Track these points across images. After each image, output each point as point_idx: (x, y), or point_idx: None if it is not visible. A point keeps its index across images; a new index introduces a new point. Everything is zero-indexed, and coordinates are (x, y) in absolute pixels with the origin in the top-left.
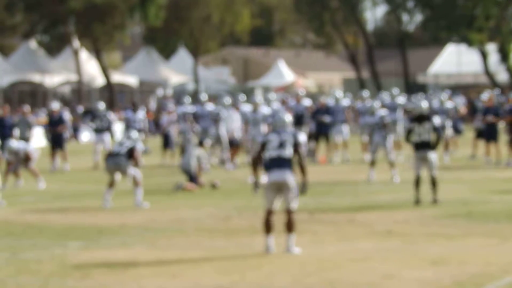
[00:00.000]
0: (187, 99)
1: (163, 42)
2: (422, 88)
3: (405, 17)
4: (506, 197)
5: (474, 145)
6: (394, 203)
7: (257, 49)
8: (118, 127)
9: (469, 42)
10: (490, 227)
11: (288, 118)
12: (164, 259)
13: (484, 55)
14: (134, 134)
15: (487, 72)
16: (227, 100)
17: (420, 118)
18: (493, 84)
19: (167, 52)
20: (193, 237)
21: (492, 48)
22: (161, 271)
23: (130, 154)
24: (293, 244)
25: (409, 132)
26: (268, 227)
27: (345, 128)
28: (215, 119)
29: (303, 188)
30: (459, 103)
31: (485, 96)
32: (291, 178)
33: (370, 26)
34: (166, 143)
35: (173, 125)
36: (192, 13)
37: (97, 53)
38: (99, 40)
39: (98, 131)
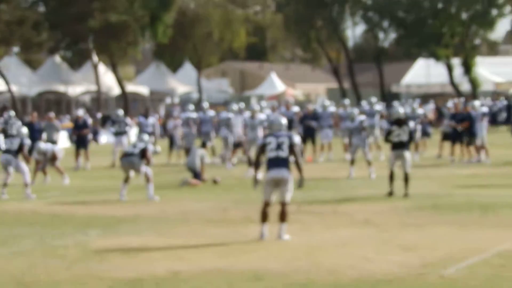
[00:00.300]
0: (191, 107)
1: (170, 57)
2: (396, 97)
3: (381, 35)
4: (468, 191)
5: (440, 146)
6: (371, 197)
7: (252, 63)
8: (132, 131)
9: (437, 57)
10: (454, 217)
11: (284, 121)
12: (172, 245)
13: (449, 68)
14: (146, 137)
15: (453, 83)
16: (235, 106)
17: (399, 121)
18: (458, 93)
19: (174, 66)
20: (197, 226)
21: (456, 62)
22: (169, 255)
23: (143, 154)
24: (284, 231)
25: (389, 133)
26: (264, 217)
27: (330, 132)
28: (227, 123)
29: (300, 182)
30: (428, 109)
31: (450, 103)
32: (288, 175)
33: (350, 43)
34: (172, 144)
35: (177, 129)
36: (195, 32)
37: (113, 66)
38: (115, 55)
39: (117, 134)
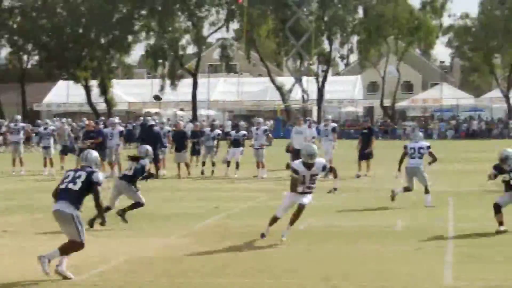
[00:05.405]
0: None
1: None
2: (37, 115)
3: (25, 57)
4: None
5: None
6: None
7: None
8: None
9: (76, 79)
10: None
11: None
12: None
13: (87, 89)
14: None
15: (90, 103)
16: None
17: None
18: (95, 112)
19: None
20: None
21: (94, 83)
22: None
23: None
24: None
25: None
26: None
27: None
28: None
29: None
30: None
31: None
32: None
33: None
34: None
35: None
36: None
37: None
38: None
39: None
